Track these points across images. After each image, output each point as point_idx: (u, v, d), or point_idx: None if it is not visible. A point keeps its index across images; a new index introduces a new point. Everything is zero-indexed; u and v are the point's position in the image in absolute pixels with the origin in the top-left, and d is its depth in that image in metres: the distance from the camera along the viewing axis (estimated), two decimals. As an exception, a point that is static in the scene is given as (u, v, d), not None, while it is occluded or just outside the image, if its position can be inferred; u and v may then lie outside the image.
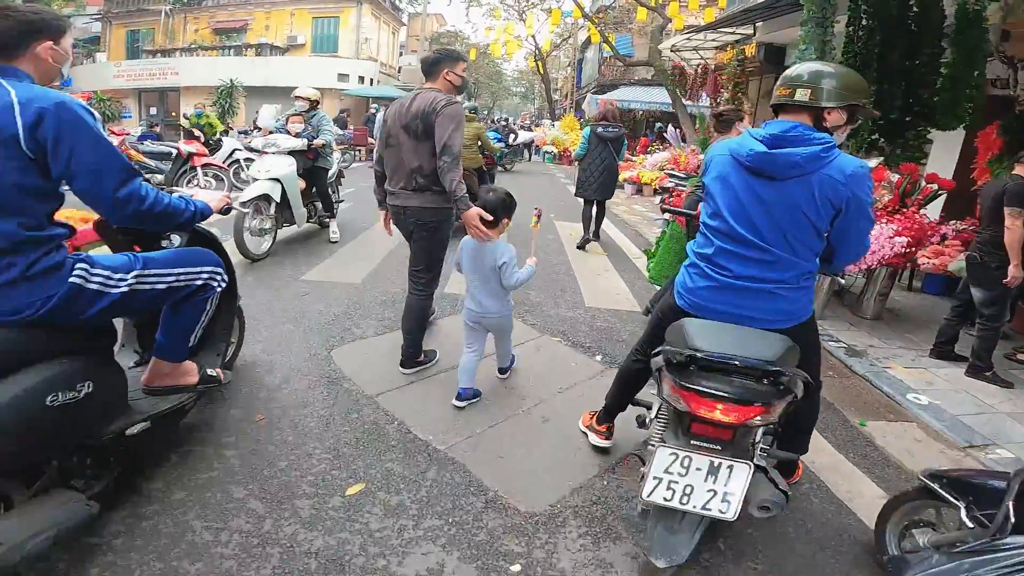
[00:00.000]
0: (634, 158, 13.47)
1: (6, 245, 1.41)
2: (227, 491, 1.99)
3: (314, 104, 5.37)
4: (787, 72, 1.73)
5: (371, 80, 22.73)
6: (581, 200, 6.10)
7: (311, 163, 5.26)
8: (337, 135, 13.34)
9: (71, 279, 1.51)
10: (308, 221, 5.45)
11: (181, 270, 1.82)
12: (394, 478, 2.14)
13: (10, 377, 1.38)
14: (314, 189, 5.36)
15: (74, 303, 1.53)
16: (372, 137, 13.75)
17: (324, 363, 3.00)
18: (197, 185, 6.65)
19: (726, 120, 3.65)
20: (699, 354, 1.50)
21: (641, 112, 21.63)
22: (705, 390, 1.44)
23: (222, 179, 6.88)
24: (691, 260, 1.86)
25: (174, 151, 7.65)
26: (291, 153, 4.96)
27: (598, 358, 3.42)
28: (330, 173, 5.61)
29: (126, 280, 1.64)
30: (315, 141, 5.19)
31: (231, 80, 19.07)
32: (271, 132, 5.36)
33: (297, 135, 5.10)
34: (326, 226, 5.69)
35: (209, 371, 2.16)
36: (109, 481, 1.75)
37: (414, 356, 2.92)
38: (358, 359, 3.08)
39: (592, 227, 6.13)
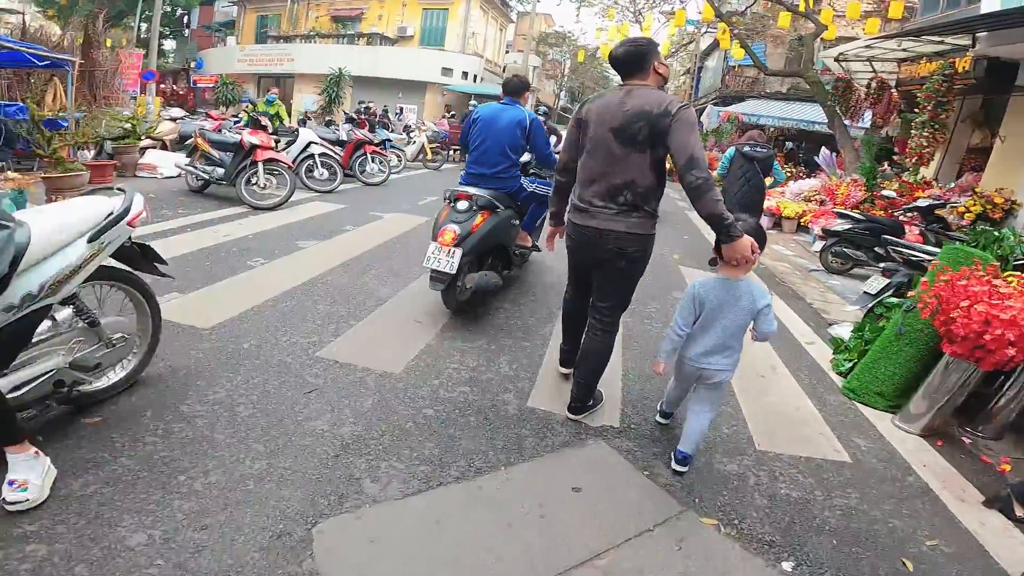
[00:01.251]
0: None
1: (509, 163, 3.53)
2: None
3: None
4: None
5: (475, 76, 21.91)
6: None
7: None
8: (433, 132, 12.43)
9: (520, 181, 3.68)
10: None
11: (544, 187, 3.84)
12: None
13: (501, 210, 3.42)
14: None
15: (518, 190, 3.67)
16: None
17: (293, 553, 1.58)
18: (256, 185, 5.68)
19: None
20: None
21: (772, 128, 18.80)
22: None
23: (285, 178, 5.78)
24: None
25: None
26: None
27: (787, 566, 1.80)
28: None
29: (531, 187, 3.76)
30: None
31: (339, 69, 19.03)
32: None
33: None
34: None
35: (535, 243, 4.31)
36: (504, 271, 3.86)
37: (585, 402, 2.51)
38: (359, 550, 1.63)
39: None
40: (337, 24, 24.70)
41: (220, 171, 5.81)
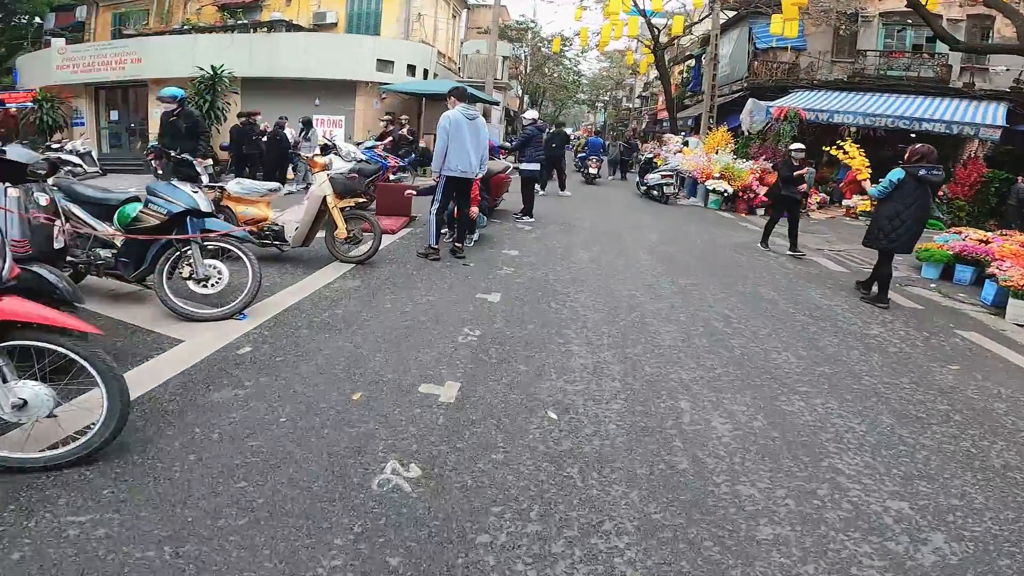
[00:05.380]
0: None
1: (599, 152, 16.04)
2: None
3: None
4: None
5: (425, 71, 15.56)
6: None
7: None
8: (350, 168, 5.77)
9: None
10: None
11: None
12: None
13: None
14: None
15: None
16: (435, 168, 6.18)
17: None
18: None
19: None
20: None
21: (855, 129, 13.47)
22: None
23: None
24: None
25: None
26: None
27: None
28: None
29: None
30: None
31: (214, 68, 12.26)
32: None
33: None
34: None
35: None
36: None
37: None
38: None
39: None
40: (224, 14, 17.81)
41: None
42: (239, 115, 9.48)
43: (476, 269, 4.80)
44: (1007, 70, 13.70)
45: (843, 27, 16.17)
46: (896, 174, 4.77)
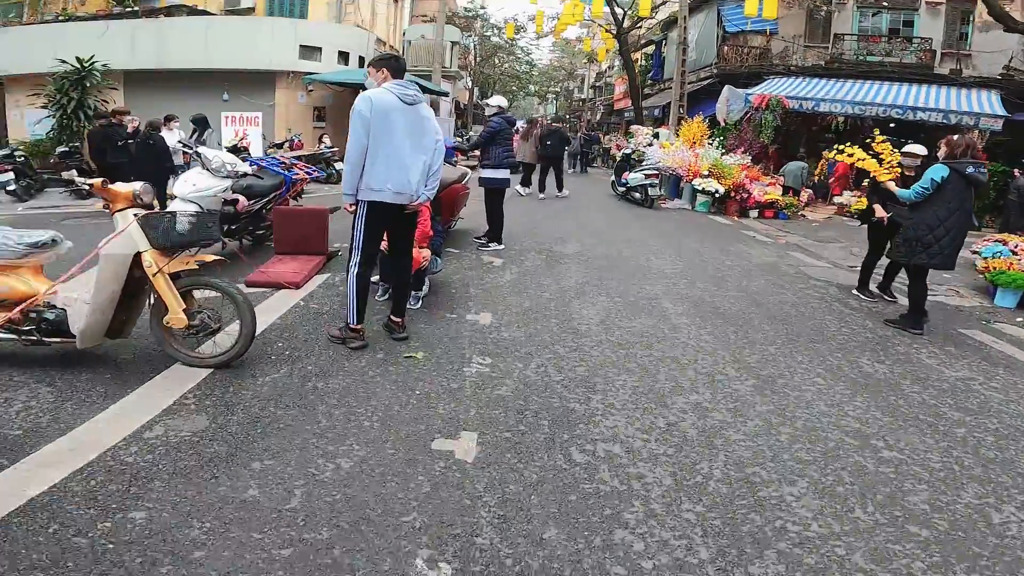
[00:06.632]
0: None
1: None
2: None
3: None
4: None
5: (360, 59, 13.32)
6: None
7: None
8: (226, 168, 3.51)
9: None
10: None
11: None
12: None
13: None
14: None
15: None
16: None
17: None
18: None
19: None
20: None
21: (844, 120, 12.27)
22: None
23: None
24: None
25: None
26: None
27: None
28: None
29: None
30: None
31: (80, 60, 9.64)
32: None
33: None
34: None
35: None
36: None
37: None
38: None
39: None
40: (111, 0, 14.92)
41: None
42: (96, 116, 7.05)
43: (428, 368, 2.81)
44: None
45: (819, 6, 15.14)
46: (938, 171, 3.96)
